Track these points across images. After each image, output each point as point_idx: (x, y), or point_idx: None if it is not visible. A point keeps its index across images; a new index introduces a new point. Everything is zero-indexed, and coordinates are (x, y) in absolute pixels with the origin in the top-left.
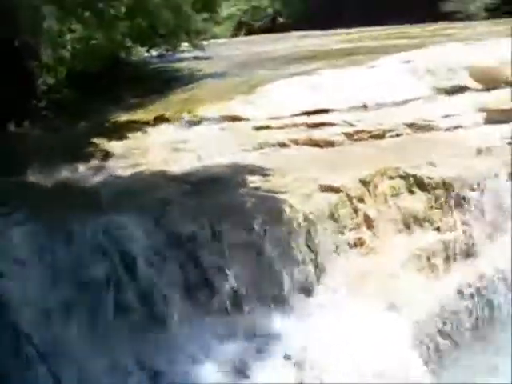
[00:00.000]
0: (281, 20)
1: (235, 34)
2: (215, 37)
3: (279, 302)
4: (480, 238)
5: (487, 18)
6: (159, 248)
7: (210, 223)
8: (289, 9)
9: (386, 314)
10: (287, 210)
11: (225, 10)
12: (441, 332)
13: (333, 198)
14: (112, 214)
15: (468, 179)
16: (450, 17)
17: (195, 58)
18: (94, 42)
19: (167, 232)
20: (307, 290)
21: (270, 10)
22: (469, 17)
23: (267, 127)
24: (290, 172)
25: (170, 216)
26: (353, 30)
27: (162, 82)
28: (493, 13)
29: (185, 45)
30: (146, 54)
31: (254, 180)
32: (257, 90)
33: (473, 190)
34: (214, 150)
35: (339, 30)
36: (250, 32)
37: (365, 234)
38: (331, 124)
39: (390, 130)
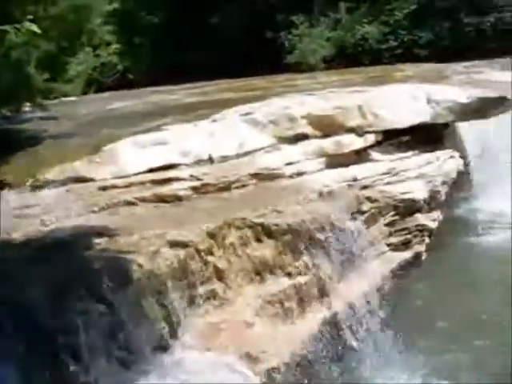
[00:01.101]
0: (131, 76)
1: (86, 92)
2: (65, 95)
3: (135, 363)
4: (330, 278)
5: (326, 69)
6: None
7: (53, 290)
8: (138, 65)
9: (241, 365)
10: (136, 269)
11: (74, 68)
12: (296, 379)
13: (181, 253)
14: None
15: (313, 223)
16: (294, 68)
17: (41, 118)
18: None
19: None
20: (163, 349)
21: (119, 67)
22: (311, 68)
23: (113, 187)
24: (138, 230)
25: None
26: (203, 84)
27: (3, 145)
28: (329, 64)
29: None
30: None
31: (100, 242)
32: (102, 150)
33: (319, 232)
34: (59, 214)
35: (190, 84)
36: (101, 89)
37: (217, 286)
38: (178, 179)
39: (236, 182)
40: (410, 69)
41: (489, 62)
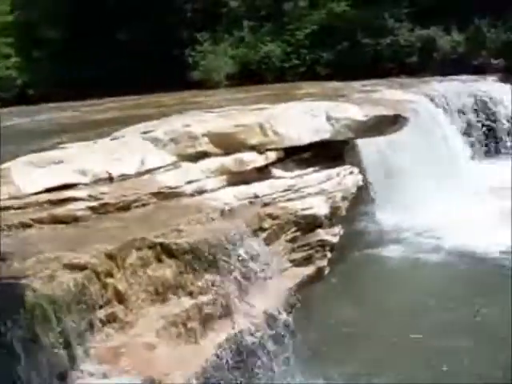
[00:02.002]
0: (31, 92)
1: None
2: None
3: None
4: (233, 297)
5: (230, 86)
6: None
7: None
8: (38, 80)
9: None
10: (30, 294)
11: None
12: None
13: (79, 276)
14: None
15: (214, 242)
16: (199, 85)
17: None
18: None
19: None
20: (61, 378)
21: (19, 81)
22: (215, 84)
23: (8, 208)
24: (33, 253)
25: None
26: (105, 100)
27: None
28: (233, 81)
29: None
30: None
31: None
32: None
33: (220, 251)
34: None
35: (92, 101)
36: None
37: (117, 308)
38: (76, 199)
39: (136, 201)
40: (311, 87)
41: (386, 81)
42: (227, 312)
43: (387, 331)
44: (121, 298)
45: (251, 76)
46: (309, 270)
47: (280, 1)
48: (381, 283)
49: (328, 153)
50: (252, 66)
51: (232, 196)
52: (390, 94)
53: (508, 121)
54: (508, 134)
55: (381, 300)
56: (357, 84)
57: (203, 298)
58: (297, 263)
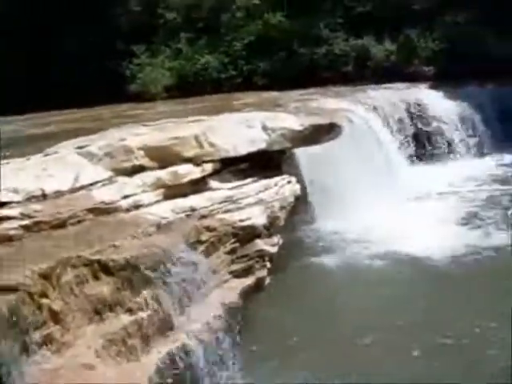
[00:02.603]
0: None
1: None
2: None
3: None
4: (173, 311)
5: (167, 98)
6: None
7: None
8: None
9: None
10: None
11: None
12: None
13: (11, 298)
14: None
15: (151, 257)
16: (136, 97)
17: None
18: None
19: None
20: None
21: None
22: (152, 97)
23: None
24: None
25: None
26: (46, 114)
27: None
28: (170, 93)
29: None
30: None
31: None
32: None
33: (158, 266)
34: None
35: (34, 115)
36: None
37: (53, 329)
38: (8, 218)
39: (71, 218)
40: (248, 97)
41: (322, 90)
42: (167, 327)
43: (328, 338)
44: (57, 318)
45: (189, 88)
46: (249, 281)
47: (217, 12)
48: (321, 291)
49: (265, 163)
50: (189, 77)
51: (169, 210)
52: (326, 103)
53: (441, 126)
54: (442, 139)
55: (321, 308)
56: (294, 93)
57: (142, 314)
58: (236, 274)
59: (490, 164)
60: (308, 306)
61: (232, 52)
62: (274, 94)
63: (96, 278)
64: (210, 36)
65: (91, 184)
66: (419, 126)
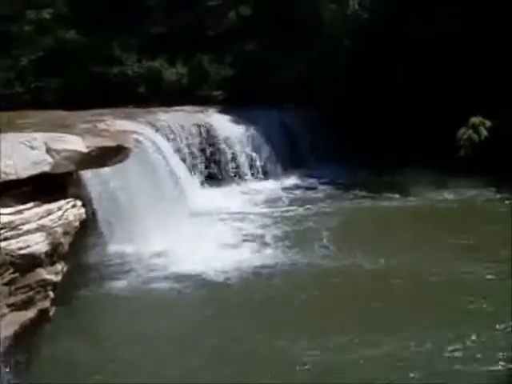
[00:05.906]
0: None
1: None
2: None
3: None
4: None
5: None
6: None
7: None
8: None
9: None
10: None
11: None
12: None
13: None
14: None
15: None
16: None
17: None
18: None
19: None
20: None
21: None
22: None
23: None
24: None
25: None
26: None
27: None
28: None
29: None
30: None
31: None
32: None
33: None
34: None
35: None
36: None
37: None
38: None
39: None
40: (35, 116)
41: (113, 111)
42: None
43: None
44: None
45: None
46: (31, 313)
47: (5, 24)
48: (110, 317)
49: (50, 186)
50: None
51: None
52: (115, 125)
53: (230, 148)
54: (231, 162)
55: (110, 335)
56: (84, 113)
57: None
58: (16, 307)
59: (272, 187)
60: (96, 334)
61: (19, 67)
62: (63, 113)
63: None
64: None
65: None
66: (209, 149)
